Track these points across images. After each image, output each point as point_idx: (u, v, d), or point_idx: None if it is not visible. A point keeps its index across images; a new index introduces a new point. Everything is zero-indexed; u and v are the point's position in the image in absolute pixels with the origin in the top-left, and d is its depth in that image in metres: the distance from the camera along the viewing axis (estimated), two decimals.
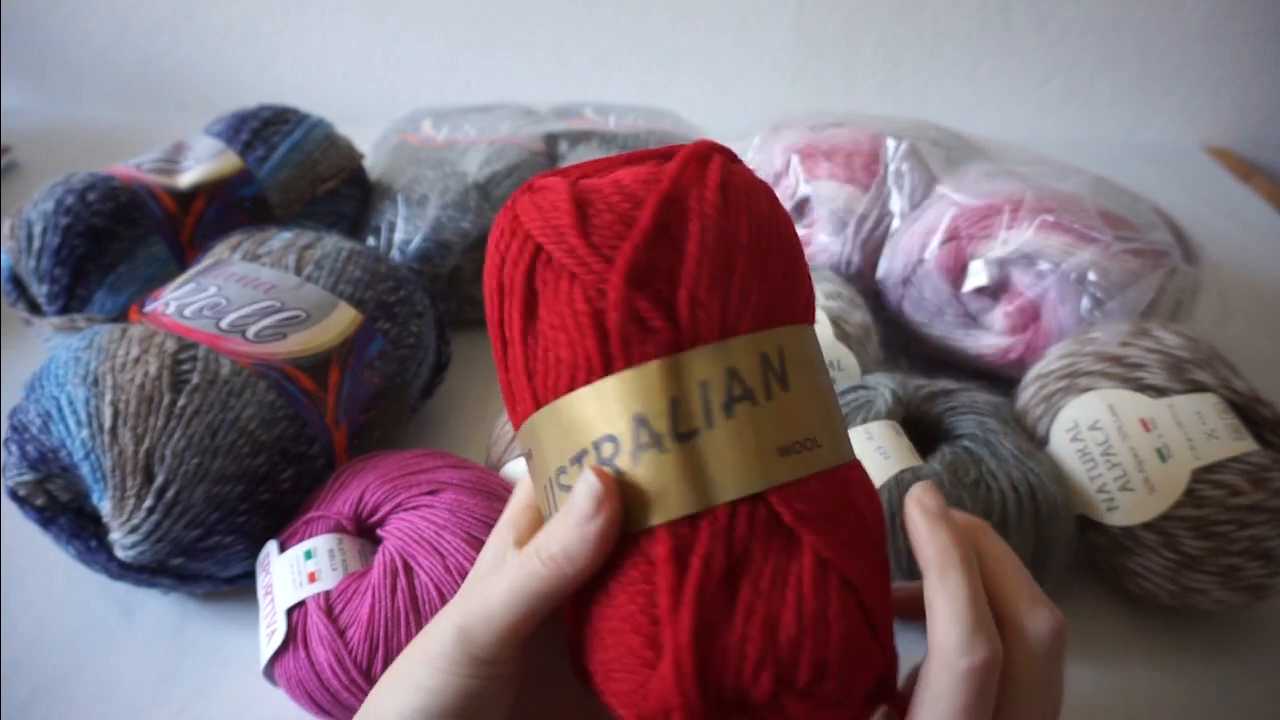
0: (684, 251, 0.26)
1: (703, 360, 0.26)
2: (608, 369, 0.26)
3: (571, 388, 0.27)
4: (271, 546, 0.43)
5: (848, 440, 0.29)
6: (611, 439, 0.26)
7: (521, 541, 0.29)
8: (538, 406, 0.28)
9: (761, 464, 0.25)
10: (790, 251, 0.29)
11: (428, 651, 0.28)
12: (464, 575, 0.39)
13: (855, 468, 0.29)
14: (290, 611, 0.40)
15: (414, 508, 0.43)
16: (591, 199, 0.27)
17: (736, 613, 0.25)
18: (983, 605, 0.26)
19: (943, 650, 0.25)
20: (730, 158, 0.30)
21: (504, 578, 0.27)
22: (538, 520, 0.30)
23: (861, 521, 0.27)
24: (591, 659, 0.27)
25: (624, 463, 0.26)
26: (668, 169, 0.28)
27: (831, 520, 0.26)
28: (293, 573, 0.41)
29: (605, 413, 0.26)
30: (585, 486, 0.26)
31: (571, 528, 0.26)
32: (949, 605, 0.26)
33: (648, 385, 0.26)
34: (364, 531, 0.44)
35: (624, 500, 0.26)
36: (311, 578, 0.41)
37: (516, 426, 0.30)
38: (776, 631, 0.24)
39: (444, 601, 0.38)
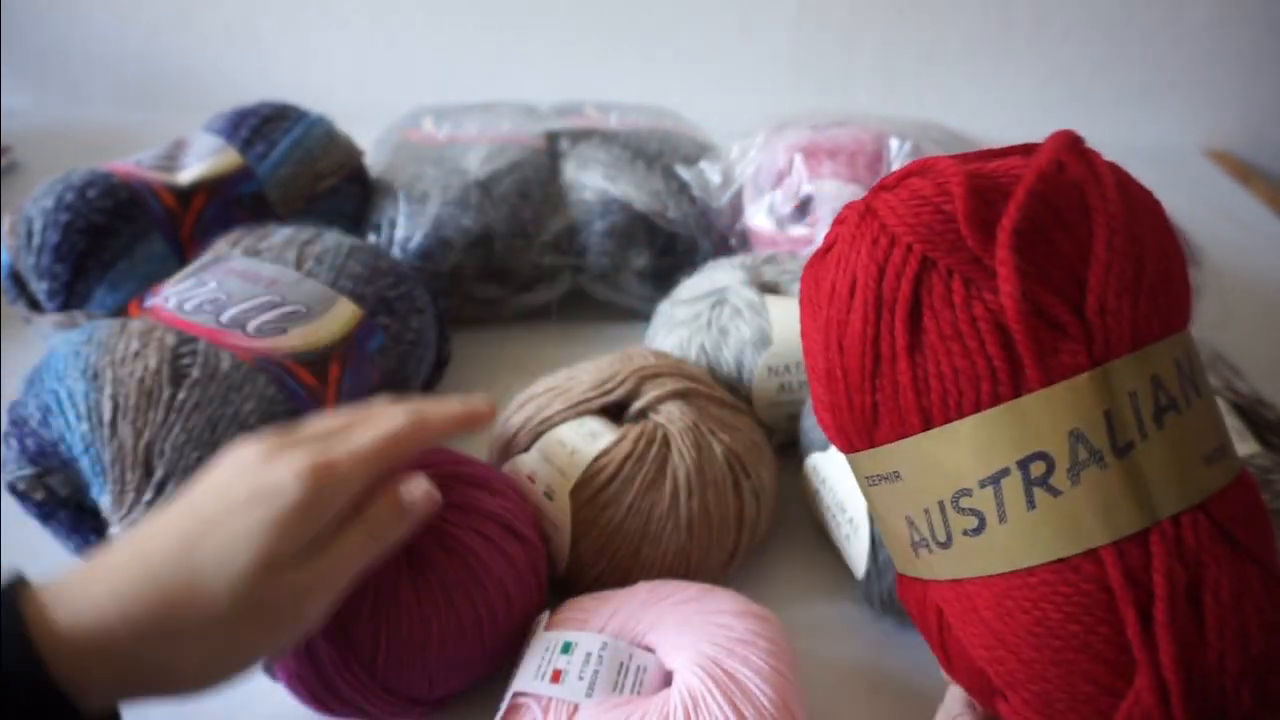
0: (1090, 253, 0.25)
1: (1130, 369, 0.25)
2: (1018, 382, 0.25)
3: (978, 406, 0.25)
4: None
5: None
6: (1042, 456, 0.25)
7: None
8: (927, 427, 0.26)
9: (1195, 473, 0.25)
10: (1181, 254, 0.28)
11: None
12: (468, 568, 0.39)
13: (1246, 471, 0.28)
14: None
15: None
16: (982, 188, 0.26)
17: (1207, 629, 0.24)
18: None
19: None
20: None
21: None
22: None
23: (1268, 522, 0.27)
24: (1016, 691, 0.27)
25: (1059, 481, 0.25)
26: (1054, 160, 0.26)
27: (1258, 525, 0.26)
28: None
29: (1031, 430, 0.25)
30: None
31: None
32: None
33: (1081, 398, 0.25)
34: None
35: (1058, 521, 0.25)
36: None
37: (869, 446, 0.29)
38: (1249, 645, 0.24)
39: (448, 594, 0.38)
